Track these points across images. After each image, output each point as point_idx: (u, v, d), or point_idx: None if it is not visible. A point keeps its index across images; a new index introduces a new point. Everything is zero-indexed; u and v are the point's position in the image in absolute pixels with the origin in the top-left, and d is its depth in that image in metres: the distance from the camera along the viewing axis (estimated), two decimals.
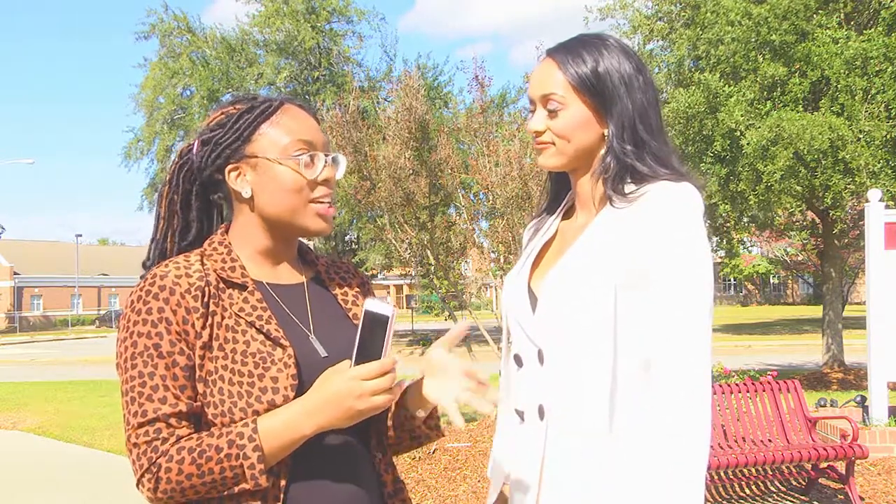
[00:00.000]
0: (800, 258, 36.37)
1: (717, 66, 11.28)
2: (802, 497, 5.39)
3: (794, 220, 15.33)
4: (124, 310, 1.24)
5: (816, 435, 5.42)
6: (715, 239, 13.66)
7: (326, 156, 1.31)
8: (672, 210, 1.29)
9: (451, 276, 7.55)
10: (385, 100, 19.47)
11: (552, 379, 1.33)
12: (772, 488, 5.56)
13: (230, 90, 22.16)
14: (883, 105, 10.19)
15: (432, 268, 7.48)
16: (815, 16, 10.76)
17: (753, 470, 5.43)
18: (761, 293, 55.07)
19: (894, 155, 10.33)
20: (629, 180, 1.35)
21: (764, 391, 5.52)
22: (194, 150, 1.34)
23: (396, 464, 1.41)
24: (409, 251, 7.42)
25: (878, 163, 9.99)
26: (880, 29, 10.42)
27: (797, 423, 5.43)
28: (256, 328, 1.22)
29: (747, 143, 10.29)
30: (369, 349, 1.15)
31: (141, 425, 1.17)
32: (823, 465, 5.33)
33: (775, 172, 10.20)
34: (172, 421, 1.17)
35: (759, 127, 10.26)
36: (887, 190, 9.70)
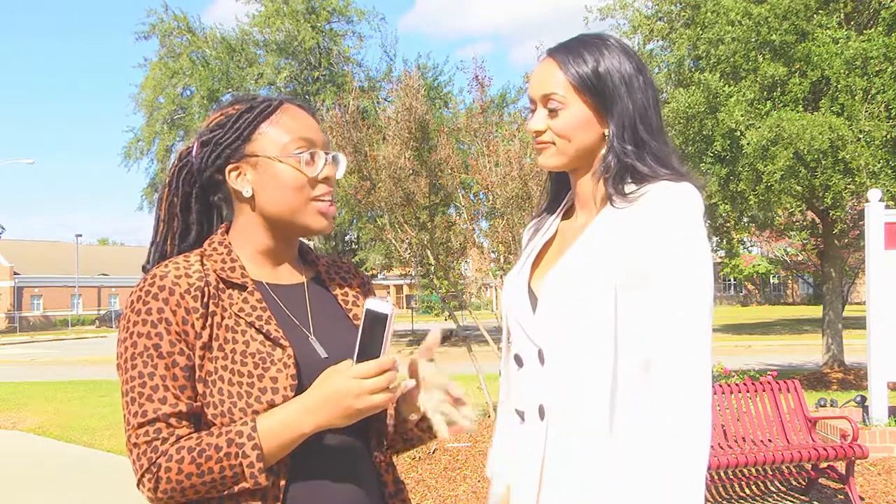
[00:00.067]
0: (800, 258, 36.38)
1: (717, 65, 11.28)
2: (802, 497, 5.39)
3: (794, 220, 15.34)
4: (124, 310, 1.24)
5: (816, 435, 5.42)
6: (715, 239, 13.66)
7: (327, 154, 1.31)
8: (672, 210, 1.29)
9: (451, 276, 7.55)
10: (385, 100, 19.48)
11: (553, 379, 1.33)
12: (772, 488, 5.56)
13: (230, 90, 22.17)
14: (883, 105, 10.19)
15: (432, 268, 7.48)
16: (815, 16, 10.77)
17: (753, 470, 5.43)
18: (761, 293, 55.08)
19: (894, 155, 10.33)
20: (629, 180, 1.35)
21: (764, 391, 5.52)
22: (193, 153, 1.34)
23: (396, 464, 1.41)
24: (409, 251, 7.42)
25: (878, 163, 9.99)
26: (880, 29, 10.43)
27: (797, 423, 5.43)
28: (256, 328, 1.22)
29: (747, 143, 10.29)
30: (370, 348, 1.15)
31: (141, 425, 1.17)
32: (823, 465, 5.33)
33: (775, 172, 10.20)
34: (172, 421, 1.17)
35: (759, 127, 10.26)
36: (887, 190, 9.71)
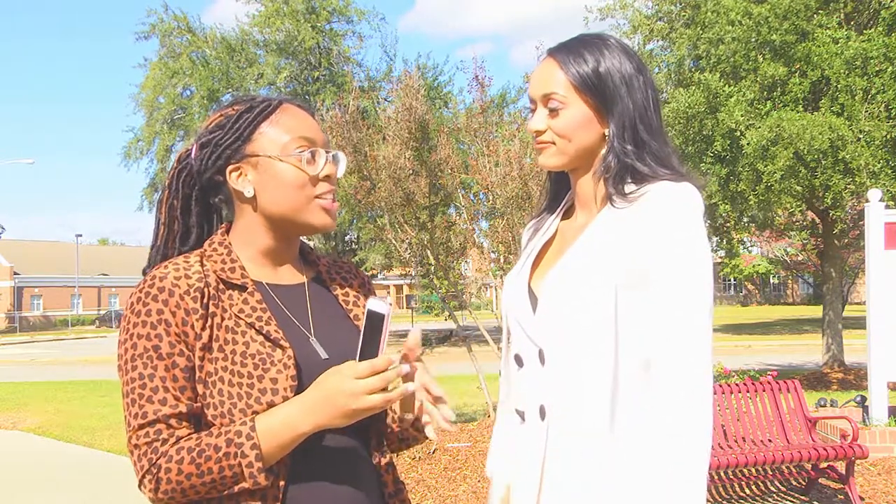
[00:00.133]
0: (800, 258, 36.38)
1: (717, 65, 11.29)
2: (802, 497, 5.39)
3: (794, 220, 15.33)
4: (124, 311, 1.24)
5: (816, 435, 5.42)
6: (715, 239, 13.67)
7: (327, 153, 1.31)
8: (672, 210, 1.29)
9: (451, 276, 7.54)
10: (385, 100, 19.48)
11: (553, 379, 1.33)
12: (772, 488, 5.56)
13: (230, 90, 22.17)
14: (883, 105, 10.19)
15: (432, 268, 7.48)
16: (815, 16, 10.77)
17: (753, 470, 5.43)
18: (761, 293, 55.08)
19: (894, 155, 10.33)
20: (629, 180, 1.35)
21: (764, 391, 5.52)
22: (192, 155, 1.34)
23: (396, 464, 1.41)
24: (409, 251, 7.42)
25: (878, 163, 9.99)
26: (880, 29, 10.43)
27: (797, 423, 5.43)
28: (256, 329, 1.22)
29: (747, 143, 10.29)
30: (370, 349, 1.15)
31: (141, 427, 1.17)
32: (823, 465, 5.33)
33: (775, 172, 10.20)
34: (172, 422, 1.17)
35: (759, 127, 10.26)
36: (887, 190, 9.71)
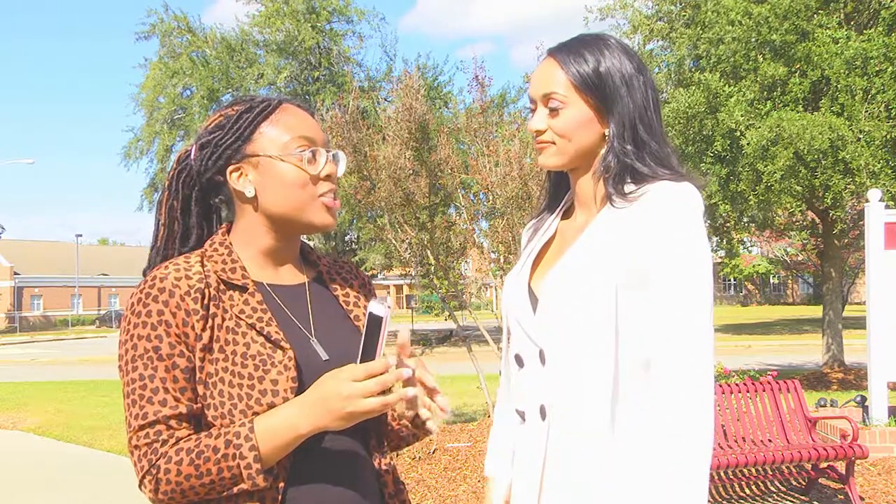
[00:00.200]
0: (800, 258, 36.41)
1: (717, 65, 11.29)
2: (802, 497, 5.39)
3: (794, 220, 15.33)
4: (125, 312, 1.23)
5: (816, 435, 5.42)
6: (715, 239, 13.67)
7: (327, 152, 1.31)
8: (672, 210, 1.29)
9: (451, 276, 7.54)
10: (385, 100, 19.50)
11: (554, 379, 1.33)
12: (772, 488, 5.56)
13: (230, 90, 22.17)
14: (883, 105, 10.19)
15: (432, 268, 7.47)
16: (815, 16, 10.77)
17: (753, 470, 5.43)
18: (761, 293, 55.08)
19: (894, 155, 10.33)
20: (629, 180, 1.35)
21: (764, 391, 5.52)
22: (192, 155, 1.34)
23: (396, 464, 1.40)
24: (409, 251, 7.42)
25: (878, 163, 9.99)
26: (880, 29, 10.43)
27: (797, 423, 5.43)
28: (257, 330, 1.22)
29: (747, 143, 10.29)
30: (370, 352, 1.15)
31: (141, 427, 1.17)
32: (823, 465, 5.33)
33: (775, 172, 10.20)
34: (172, 423, 1.17)
35: (759, 127, 10.26)
36: (887, 190, 9.71)
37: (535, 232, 1.55)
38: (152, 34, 23.00)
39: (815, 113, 10.41)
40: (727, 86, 10.89)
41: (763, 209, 12.27)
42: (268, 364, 1.19)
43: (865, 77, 10.13)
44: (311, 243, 1.51)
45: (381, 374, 1.13)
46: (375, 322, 1.15)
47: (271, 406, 1.17)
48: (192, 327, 1.19)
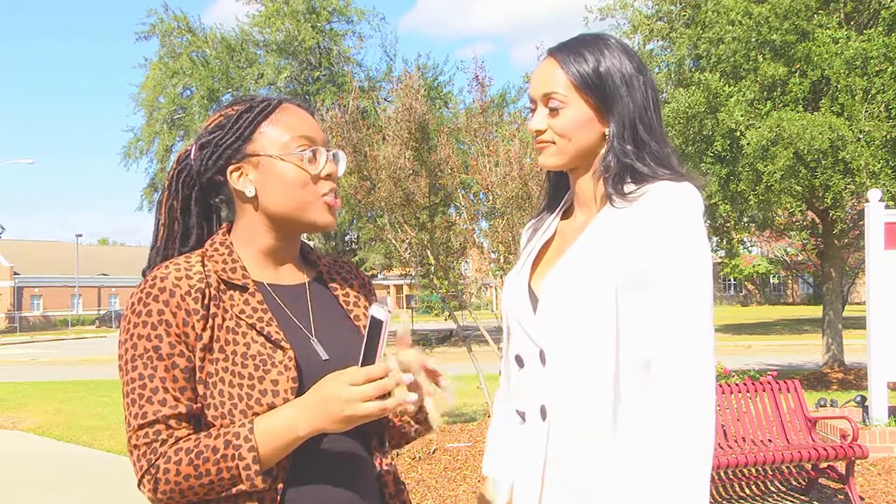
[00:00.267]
0: (800, 258, 36.41)
1: (717, 65, 11.28)
2: (802, 497, 5.39)
3: (794, 220, 15.33)
4: (125, 311, 1.23)
5: (816, 435, 5.42)
6: (715, 239, 13.67)
7: (327, 151, 1.31)
8: (672, 210, 1.29)
9: (451, 276, 7.54)
10: (385, 100, 19.50)
11: (555, 379, 1.33)
12: (772, 488, 5.56)
13: (230, 90, 22.18)
14: (883, 105, 10.19)
15: (432, 268, 7.47)
16: (815, 16, 10.77)
17: (753, 470, 5.43)
18: (761, 293, 55.07)
19: (894, 155, 10.33)
20: (629, 180, 1.35)
21: (764, 391, 5.52)
22: (192, 155, 1.34)
23: (396, 464, 1.40)
24: (409, 251, 7.42)
25: (878, 163, 9.99)
26: (880, 29, 10.43)
27: (797, 423, 5.43)
28: (257, 330, 1.22)
29: (747, 143, 10.29)
30: (371, 355, 1.15)
31: (141, 427, 1.17)
32: (823, 465, 5.33)
33: (775, 172, 10.20)
34: (172, 422, 1.17)
35: (759, 127, 10.26)
36: (887, 190, 9.71)
37: (534, 232, 1.55)
38: (152, 34, 23.02)
39: (815, 113, 10.41)
40: (727, 86, 10.89)
41: (763, 209, 12.27)
42: (268, 364, 1.19)
43: (865, 77, 10.13)
44: (311, 243, 1.51)
45: (381, 378, 1.13)
46: (377, 326, 1.15)
47: (271, 406, 1.17)
48: (193, 327, 1.19)
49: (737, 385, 5.53)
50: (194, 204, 1.37)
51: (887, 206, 6.93)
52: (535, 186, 6.39)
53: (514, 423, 1.43)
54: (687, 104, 10.92)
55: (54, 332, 44.18)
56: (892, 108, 10.18)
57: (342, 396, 1.12)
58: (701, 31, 11.49)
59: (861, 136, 10.03)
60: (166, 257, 1.34)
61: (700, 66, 11.99)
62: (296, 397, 1.18)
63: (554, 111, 1.38)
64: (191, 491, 1.15)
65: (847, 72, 10.14)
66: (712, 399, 1.25)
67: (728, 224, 13.07)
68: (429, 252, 7.35)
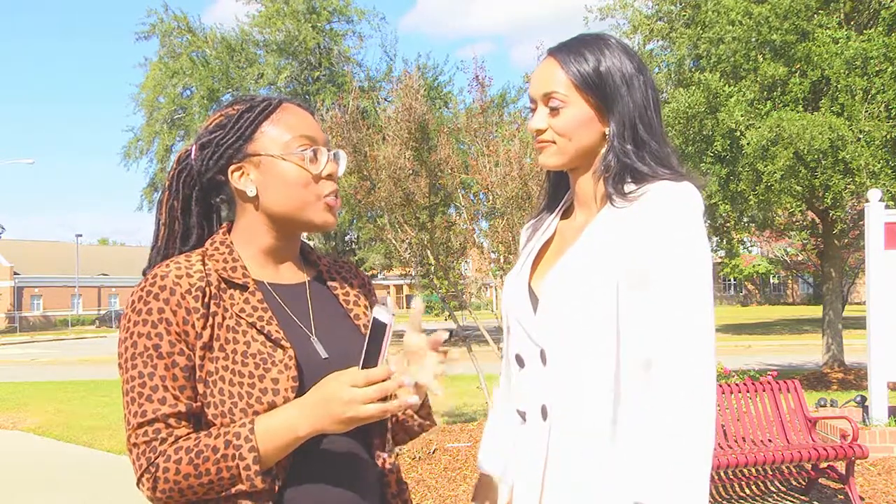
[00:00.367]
0: (800, 258, 36.40)
1: (717, 65, 11.29)
2: (802, 497, 5.39)
3: (794, 220, 15.33)
4: (125, 310, 1.23)
5: (816, 435, 5.42)
6: (715, 239, 13.67)
7: (328, 151, 1.32)
8: (672, 210, 1.29)
9: (451, 276, 7.54)
10: (385, 100, 19.50)
11: (555, 379, 1.33)
12: (772, 488, 5.56)
13: (230, 90, 22.18)
14: (883, 105, 10.19)
15: (432, 268, 7.47)
16: (815, 16, 10.77)
17: (753, 470, 5.43)
18: (761, 293, 55.07)
19: (894, 155, 10.33)
20: (629, 180, 1.35)
21: (764, 391, 5.52)
22: (193, 155, 1.34)
23: (399, 464, 1.40)
24: (409, 251, 7.41)
25: (878, 163, 9.99)
26: (880, 29, 10.43)
27: (797, 423, 5.43)
28: (257, 329, 1.22)
29: (747, 143, 10.29)
30: (373, 357, 1.15)
31: (140, 425, 1.17)
32: (823, 465, 5.33)
33: (775, 172, 10.20)
34: (171, 421, 1.17)
35: (759, 127, 10.26)
36: (887, 190, 9.71)
37: (534, 231, 1.55)
38: (152, 34, 23.04)
39: (815, 113, 10.41)
40: (727, 86, 10.89)
41: (763, 209, 12.27)
42: (268, 363, 1.19)
43: (865, 77, 10.13)
44: (310, 243, 1.51)
45: (383, 380, 1.13)
46: (380, 329, 1.15)
47: (272, 404, 1.17)
48: (193, 325, 1.19)
49: (737, 385, 5.53)
50: (195, 204, 1.37)
51: (887, 206, 6.93)
52: (535, 186, 6.39)
53: (514, 423, 1.43)
54: (687, 104, 10.92)
55: (54, 332, 44.18)
56: (892, 108, 10.18)
57: (343, 397, 1.12)
58: (701, 31, 11.49)
59: (861, 136, 10.04)
60: (167, 257, 1.34)
61: (700, 66, 11.99)
62: (296, 396, 1.18)
63: (554, 111, 1.38)
64: (190, 490, 1.15)
65: (847, 72, 10.14)
66: (712, 399, 1.25)
67: (728, 224, 13.07)
68: (429, 252, 7.35)
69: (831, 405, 6.68)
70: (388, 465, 1.34)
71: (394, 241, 7.45)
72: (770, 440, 5.33)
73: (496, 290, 11.06)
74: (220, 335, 1.21)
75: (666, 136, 1.42)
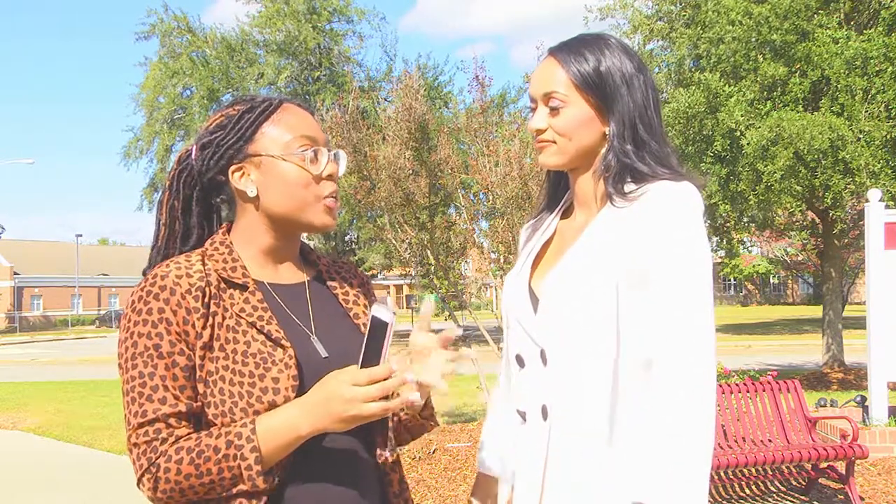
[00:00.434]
0: (800, 258, 36.40)
1: (717, 65, 11.28)
2: (802, 497, 5.39)
3: (794, 220, 15.32)
4: (125, 310, 1.23)
5: (816, 435, 5.42)
6: (715, 239, 13.66)
7: (329, 151, 1.32)
8: (672, 210, 1.29)
9: (451, 276, 7.54)
10: (385, 100, 19.50)
11: (556, 379, 1.33)
12: (772, 488, 5.55)
13: (230, 90, 22.19)
14: (883, 105, 10.19)
15: (432, 268, 7.47)
16: (815, 16, 10.77)
17: (753, 470, 5.43)
18: (761, 293, 55.06)
19: (894, 155, 10.33)
20: (629, 179, 1.35)
21: (764, 391, 5.52)
22: (193, 156, 1.34)
23: (401, 463, 1.40)
24: (409, 251, 7.41)
25: (878, 163, 9.99)
26: (880, 29, 10.43)
27: (797, 423, 5.43)
28: (257, 329, 1.22)
29: (747, 143, 10.29)
30: (373, 356, 1.15)
31: (141, 425, 1.17)
32: (823, 465, 5.33)
33: (775, 172, 10.20)
34: (172, 421, 1.17)
35: (759, 127, 10.26)
36: (887, 190, 9.70)
37: (533, 231, 1.55)
38: (152, 34, 23.04)
39: (815, 113, 10.41)
40: (727, 86, 10.89)
41: (763, 209, 12.26)
42: (268, 362, 1.19)
43: (865, 77, 10.12)
44: (310, 243, 1.51)
45: (384, 379, 1.13)
46: (379, 327, 1.14)
47: (272, 404, 1.17)
48: (193, 325, 1.19)
49: (737, 385, 5.53)
50: (195, 204, 1.37)
51: (887, 206, 6.93)
52: (535, 186, 6.39)
53: (515, 423, 1.43)
54: (687, 104, 10.92)
55: (54, 332, 44.18)
56: (892, 108, 10.18)
57: (344, 396, 1.13)
58: (701, 31, 11.49)
59: (861, 136, 10.03)
60: (167, 257, 1.34)
61: (700, 66, 11.99)
62: (296, 395, 1.18)
63: (554, 110, 1.38)
64: (191, 490, 1.15)
65: (847, 72, 10.14)
66: (712, 399, 1.25)
67: (728, 224, 13.06)
68: (429, 252, 7.35)
69: (831, 405, 6.68)
70: (389, 464, 1.34)
71: (394, 241, 7.45)
72: (770, 440, 5.33)
73: (496, 290, 11.06)
74: (220, 335, 1.21)
75: (666, 135, 1.42)
